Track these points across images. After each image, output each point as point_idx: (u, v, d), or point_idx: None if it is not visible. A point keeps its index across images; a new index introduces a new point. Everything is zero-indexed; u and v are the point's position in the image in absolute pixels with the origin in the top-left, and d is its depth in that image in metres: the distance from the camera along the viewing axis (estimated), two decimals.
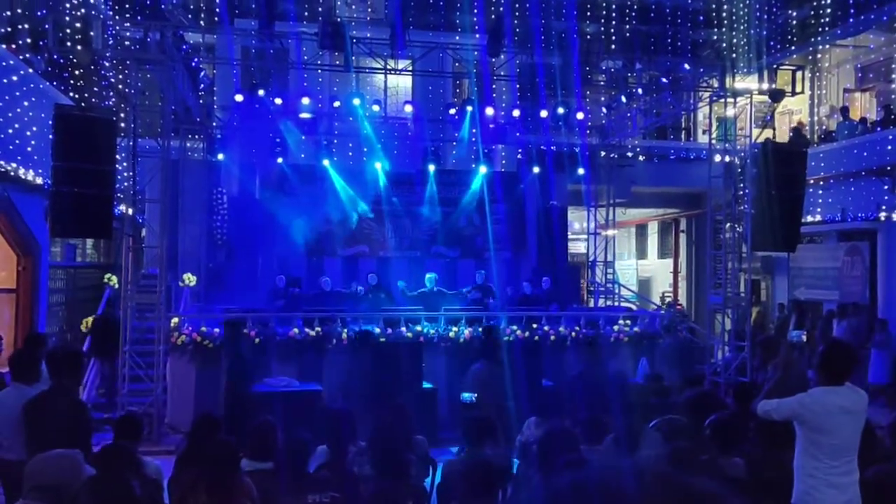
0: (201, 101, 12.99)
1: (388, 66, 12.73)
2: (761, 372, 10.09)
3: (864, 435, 4.28)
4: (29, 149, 10.39)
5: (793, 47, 17.21)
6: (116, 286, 12.18)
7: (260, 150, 14.45)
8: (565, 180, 15.69)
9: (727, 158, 12.45)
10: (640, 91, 13.27)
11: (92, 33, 14.35)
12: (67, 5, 13.29)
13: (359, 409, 6.44)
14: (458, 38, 16.15)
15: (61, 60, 12.74)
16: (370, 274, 12.91)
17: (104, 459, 4.20)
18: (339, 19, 15.44)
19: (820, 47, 16.91)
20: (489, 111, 13.12)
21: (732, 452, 4.68)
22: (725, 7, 19.11)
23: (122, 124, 11.25)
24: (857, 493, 4.13)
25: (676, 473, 1.11)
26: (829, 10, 16.03)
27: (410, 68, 13.94)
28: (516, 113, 13.61)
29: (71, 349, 6.60)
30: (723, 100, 12.29)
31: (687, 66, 13.31)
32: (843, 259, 14.84)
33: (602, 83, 15.29)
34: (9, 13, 11.58)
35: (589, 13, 18.75)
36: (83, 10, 13.85)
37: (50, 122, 9.17)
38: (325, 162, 14.18)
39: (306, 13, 16.81)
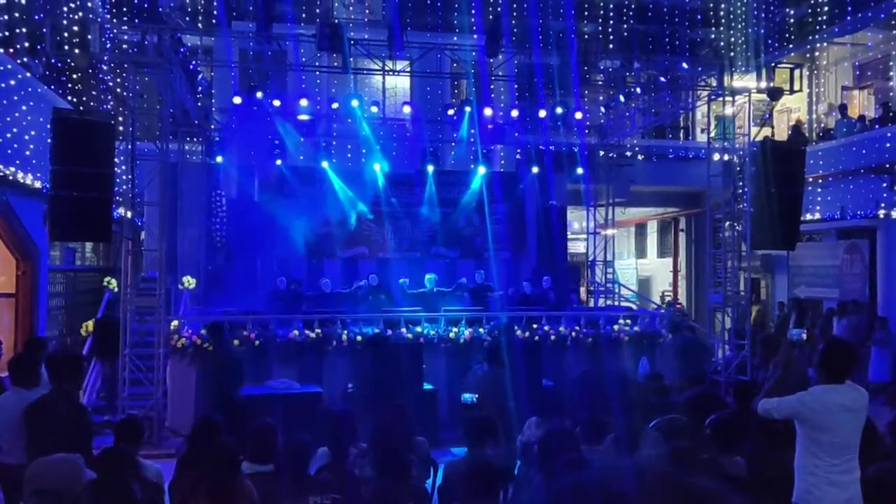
0: (199, 104, 12.99)
1: (387, 68, 12.73)
2: (762, 370, 10.07)
3: (865, 433, 4.27)
4: (27, 153, 10.38)
5: (791, 45, 17.23)
6: (116, 289, 12.18)
7: (258, 152, 14.45)
8: (564, 180, 15.69)
9: (726, 157, 12.46)
10: (638, 90, 13.26)
11: (90, 37, 14.38)
12: (65, 9, 13.29)
13: (370, 410, 6.46)
14: (455, 38, 16.17)
15: (59, 64, 12.74)
16: (371, 275, 12.91)
17: (104, 463, 4.20)
18: (336, 21, 15.43)
19: (818, 45, 16.92)
20: (488, 111, 13.11)
21: (733, 451, 4.68)
22: (723, 6, 19.13)
23: (121, 127, 11.24)
24: (857, 492, 4.13)
25: (677, 473, 1.11)
26: (826, 8, 16.04)
27: (408, 69, 13.94)
28: (515, 113, 13.60)
29: (71, 353, 6.60)
30: (721, 98, 12.28)
31: (685, 65, 13.28)
32: (843, 257, 14.85)
33: (600, 83, 15.27)
34: (6, 17, 11.57)
35: (587, 13, 18.77)
36: (81, 14, 13.85)
37: (48, 126, 9.16)
38: (324, 163, 14.18)
39: (304, 15, 16.83)
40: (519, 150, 16.12)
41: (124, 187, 11.71)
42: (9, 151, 9.86)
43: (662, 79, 12.76)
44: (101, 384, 11.24)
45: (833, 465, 4.09)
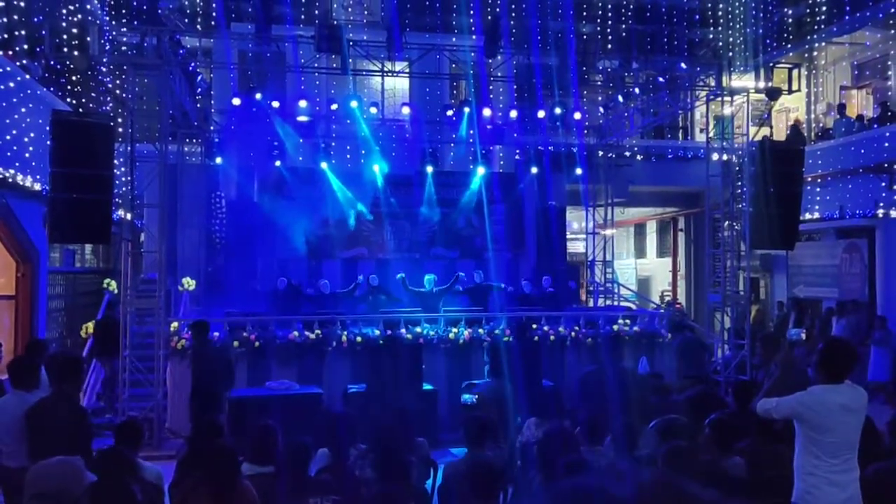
0: (199, 106, 12.99)
1: (386, 69, 12.73)
2: (761, 370, 10.09)
3: (865, 432, 4.28)
4: (27, 155, 10.38)
5: (789, 45, 17.24)
6: (116, 291, 12.19)
7: (258, 153, 14.46)
8: (563, 180, 15.71)
9: (725, 157, 12.47)
10: (637, 90, 13.27)
11: (89, 39, 14.39)
12: (64, 11, 13.30)
13: (375, 410, 6.47)
14: (454, 39, 16.19)
15: (58, 66, 12.75)
16: (371, 275, 12.91)
17: (103, 463, 4.20)
18: (335, 22, 15.46)
19: (816, 45, 16.93)
20: (486, 112, 13.12)
21: (733, 451, 4.68)
22: (721, 6, 19.14)
23: (120, 129, 11.25)
24: (857, 491, 4.13)
25: (676, 480, 1.11)
26: (824, 8, 16.05)
27: (407, 70, 13.95)
28: (514, 114, 13.61)
29: (71, 355, 6.60)
30: (720, 98, 12.30)
31: (684, 66, 13.28)
32: (842, 256, 14.86)
33: (599, 83, 15.29)
34: (5, 20, 11.58)
35: (585, 13, 18.79)
36: (80, 16, 13.86)
37: (47, 128, 9.16)
38: (324, 164, 14.19)
39: (303, 16, 16.83)
40: (518, 151, 16.13)
41: (124, 189, 11.72)
42: (8, 154, 9.86)
43: (661, 79, 12.77)
44: (101, 386, 11.24)
45: (832, 464, 4.10)
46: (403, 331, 10.79)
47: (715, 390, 9.31)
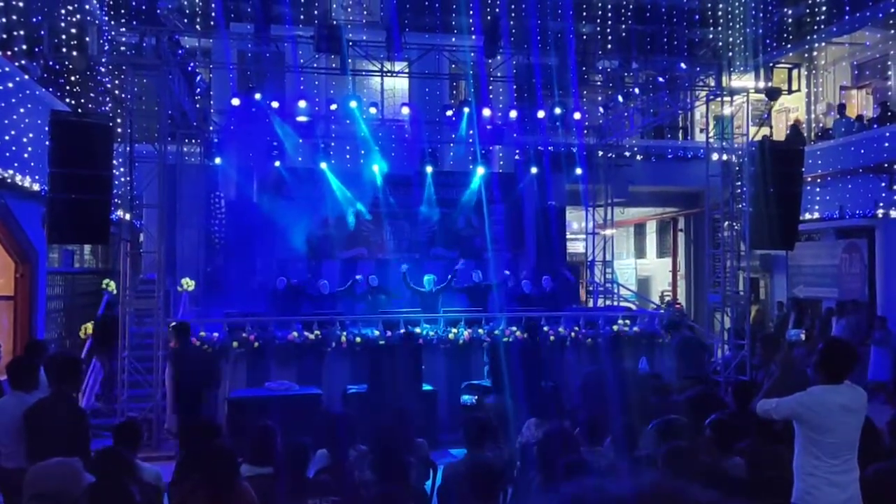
0: (198, 106, 12.98)
1: (385, 69, 12.72)
2: (761, 370, 10.08)
3: (865, 433, 4.27)
4: (25, 155, 10.36)
5: (789, 45, 17.24)
6: (115, 291, 12.17)
7: (257, 153, 14.45)
8: (563, 180, 15.70)
9: (724, 157, 12.46)
10: (636, 90, 13.27)
11: (88, 39, 14.37)
12: (63, 11, 13.28)
13: (376, 410, 6.45)
14: (454, 39, 16.17)
15: (57, 66, 12.73)
16: (371, 276, 12.89)
17: (101, 464, 4.19)
18: (335, 22, 15.44)
19: (816, 45, 16.93)
20: (486, 112, 13.11)
21: (733, 452, 4.67)
22: (721, 6, 19.13)
23: (119, 129, 11.24)
24: (857, 491, 4.12)
25: (678, 488, 1.09)
26: (824, 8, 16.05)
27: (407, 70, 13.94)
28: (513, 114, 13.59)
29: (69, 356, 6.59)
30: (719, 98, 12.29)
31: (683, 66, 13.28)
32: (842, 256, 14.85)
33: (599, 83, 15.29)
34: (4, 20, 11.56)
35: (585, 13, 18.78)
36: (79, 17, 13.85)
37: (46, 129, 9.15)
38: (323, 165, 14.18)
39: (302, 16, 16.81)
40: (518, 151, 16.12)
41: (123, 189, 11.70)
42: (7, 154, 9.84)
43: (661, 79, 12.77)
44: (100, 387, 11.23)
45: (832, 465, 4.09)
46: (403, 331, 10.78)
47: (715, 390, 9.31)
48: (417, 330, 10.67)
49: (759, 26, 17.82)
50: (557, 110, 13.41)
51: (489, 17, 17.15)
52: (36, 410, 5.23)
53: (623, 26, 18.99)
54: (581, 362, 11.08)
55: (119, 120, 11.69)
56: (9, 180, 9.79)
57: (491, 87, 15.36)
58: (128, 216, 10.80)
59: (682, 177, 17.15)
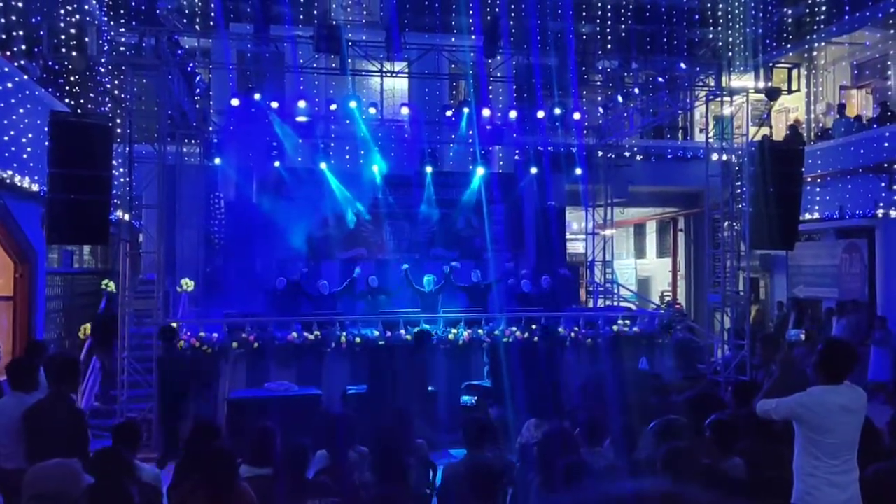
0: (197, 106, 12.97)
1: (385, 69, 12.72)
2: (761, 370, 10.08)
3: (864, 433, 4.26)
4: (25, 156, 10.36)
5: (789, 45, 17.23)
6: (115, 291, 12.16)
7: (256, 153, 14.44)
8: (563, 180, 15.70)
9: (724, 157, 12.46)
10: (636, 90, 13.26)
11: (87, 39, 14.35)
12: (62, 12, 13.27)
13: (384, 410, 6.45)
14: (454, 39, 16.17)
15: (56, 67, 12.72)
16: (370, 276, 12.88)
17: (101, 464, 4.18)
18: (334, 22, 15.42)
19: (816, 45, 16.92)
20: (486, 112, 13.10)
21: (732, 452, 4.67)
22: (721, 6, 19.12)
23: (119, 130, 11.22)
24: (857, 492, 4.12)
25: (680, 494, 1.09)
26: (824, 8, 16.04)
27: (407, 70, 13.94)
28: (513, 114, 13.59)
29: (69, 356, 6.58)
30: (719, 98, 12.29)
31: (683, 66, 13.27)
32: (842, 256, 14.84)
33: (598, 83, 15.27)
34: (3, 20, 11.55)
35: (585, 13, 18.76)
36: (78, 17, 13.83)
37: (45, 129, 9.14)
38: (323, 165, 14.18)
39: (301, 16, 16.80)
40: (517, 151, 16.12)
41: (122, 190, 11.69)
42: (6, 154, 9.83)
43: (660, 79, 12.76)
44: (99, 387, 11.22)
45: (832, 465, 4.08)
46: (402, 332, 10.78)
47: (714, 390, 9.30)
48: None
49: (758, 26, 17.82)
50: (557, 110, 13.41)
51: (489, 18, 17.14)
52: (35, 411, 5.23)
53: (623, 26, 18.98)
54: (581, 362, 11.08)
55: (118, 120, 11.67)
56: (8, 181, 9.78)
57: (490, 88, 15.35)
58: (127, 216, 10.78)
59: (682, 177, 17.15)
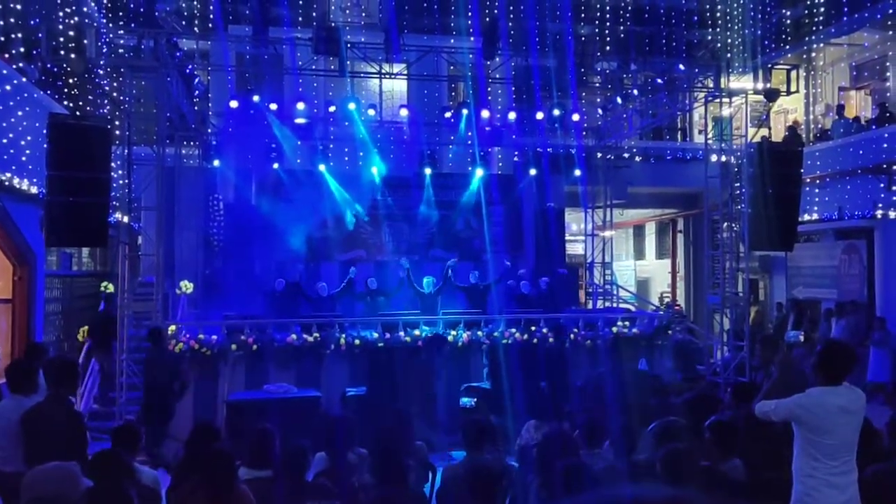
0: (196, 108, 12.97)
1: (383, 71, 12.72)
2: (760, 371, 10.08)
3: (863, 434, 4.26)
4: (23, 158, 10.35)
5: (787, 46, 17.25)
6: (113, 293, 12.15)
7: (255, 155, 14.44)
8: (562, 182, 15.70)
9: (723, 158, 12.46)
10: (635, 92, 13.26)
11: (86, 41, 14.35)
12: (61, 14, 13.26)
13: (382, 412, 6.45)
14: (452, 41, 16.17)
15: (55, 69, 12.71)
16: (370, 278, 12.86)
17: (100, 467, 4.17)
18: (333, 24, 15.42)
19: (814, 46, 16.94)
20: (485, 114, 13.11)
21: (732, 454, 4.66)
22: (720, 7, 19.14)
23: (117, 132, 11.21)
24: (856, 493, 4.12)
25: (679, 500, 1.09)
26: (822, 9, 16.06)
27: (405, 72, 13.95)
28: (512, 115, 13.60)
29: (67, 359, 6.57)
30: (718, 100, 12.29)
31: (682, 67, 13.28)
32: (841, 257, 14.85)
33: (597, 85, 15.27)
34: (2, 22, 11.55)
35: (583, 15, 18.77)
36: (77, 19, 13.83)
37: (44, 131, 9.13)
38: (321, 167, 14.17)
39: (300, 18, 16.82)
40: (516, 153, 16.12)
41: (121, 192, 11.68)
42: (5, 157, 9.82)
43: (659, 80, 12.76)
44: (98, 389, 11.21)
45: (831, 466, 4.08)
46: (402, 333, 10.77)
47: (713, 392, 9.30)
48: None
49: (757, 27, 17.83)
50: (556, 112, 13.42)
51: (488, 19, 17.15)
52: (33, 414, 5.22)
53: (622, 28, 18.98)
54: (580, 364, 11.06)
55: (117, 122, 11.67)
56: (6, 183, 9.77)
57: (489, 89, 15.37)
58: (126, 219, 10.78)
59: (681, 178, 17.16)
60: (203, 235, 14.00)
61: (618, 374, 9.26)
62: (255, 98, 12.34)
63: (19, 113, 10.27)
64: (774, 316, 16.36)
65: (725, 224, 12.64)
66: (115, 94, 14.43)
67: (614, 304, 15.57)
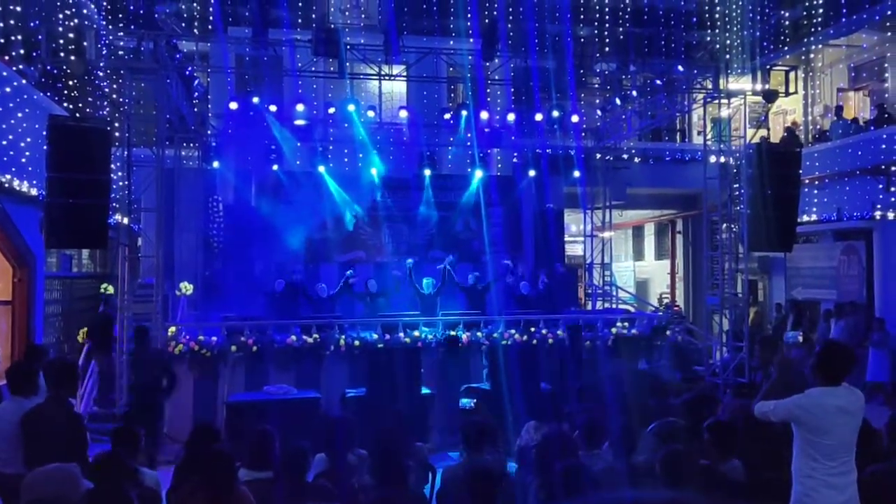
0: (196, 110, 12.97)
1: (383, 72, 12.74)
2: (760, 372, 10.10)
3: (862, 434, 4.27)
4: (23, 160, 10.36)
5: (786, 48, 17.27)
6: (112, 294, 12.16)
7: (255, 157, 14.45)
8: (561, 183, 15.71)
9: (722, 159, 12.48)
10: (634, 93, 13.29)
11: (85, 43, 14.36)
12: (61, 16, 13.27)
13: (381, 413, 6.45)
14: (452, 42, 16.18)
15: (55, 71, 12.72)
16: (369, 280, 12.86)
17: (100, 469, 4.18)
18: (332, 26, 15.42)
19: (813, 47, 16.96)
20: (484, 115, 13.13)
21: (731, 454, 4.67)
22: (718, 8, 19.16)
23: (117, 134, 11.22)
24: (855, 493, 4.12)
25: (678, 502, 1.10)
26: (821, 10, 16.07)
27: (405, 74, 13.96)
28: (511, 117, 13.61)
29: (67, 361, 6.58)
30: (717, 101, 12.31)
31: (681, 68, 13.31)
32: (840, 258, 14.86)
33: (596, 86, 15.29)
34: (1, 24, 11.56)
35: (582, 16, 18.79)
36: (76, 21, 13.84)
37: (44, 133, 9.14)
38: (321, 168, 14.18)
39: (300, 20, 16.82)
40: (516, 154, 16.13)
41: (121, 193, 11.69)
42: (4, 159, 9.84)
43: (658, 81, 12.79)
44: (98, 391, 11.21)
45: (830, 467, 4.09)
46: (401, 334, 10.78)
47: (713, 392, 9.31)
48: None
49: (756, 29, 17.85)
50: (555, 113, 13.43)
51: (487, 21, 17.17)
52: (32, 416, 5.23)
53: (620, 29, 19.00)
54: (584, 364, 11.06)
55: (117, 124, 11.67)
56: (6, 185, 9.78)
57: (489, 91, 15.38)
58: (126, 220, 10.78)
59: (680, 179, 17.17)
60: (203, 237, 13.99)
61: (615, 374, 9.26)
62: (255, 100, 12.35)
63: (19, 115, 10.29)
64: (773, 317, 16.37)
65: (724, 225, 12.65)
66: (114, 96, 14.43)
67: (613, 305, 15.58)
